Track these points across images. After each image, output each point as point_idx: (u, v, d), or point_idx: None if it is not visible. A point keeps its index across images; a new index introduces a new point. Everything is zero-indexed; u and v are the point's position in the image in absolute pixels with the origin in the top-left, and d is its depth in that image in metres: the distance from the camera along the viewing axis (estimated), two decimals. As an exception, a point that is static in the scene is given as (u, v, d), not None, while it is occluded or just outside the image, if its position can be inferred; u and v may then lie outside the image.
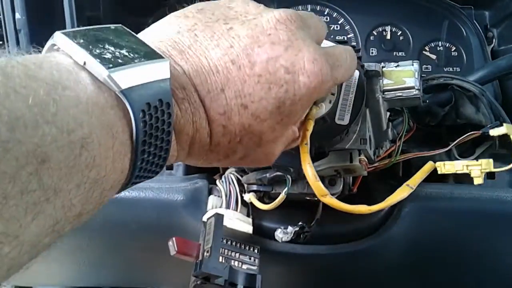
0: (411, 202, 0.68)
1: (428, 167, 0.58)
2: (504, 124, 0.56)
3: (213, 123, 0.37)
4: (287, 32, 0.38)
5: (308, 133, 0.47)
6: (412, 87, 0.57)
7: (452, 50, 0.87)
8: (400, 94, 0.58)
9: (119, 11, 0.84)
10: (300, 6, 0.89)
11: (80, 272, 0.85)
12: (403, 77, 0.58)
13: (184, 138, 0.36)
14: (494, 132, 0.57)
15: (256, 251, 0.65)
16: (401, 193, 0.56)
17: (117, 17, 0.83)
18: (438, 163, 0.58)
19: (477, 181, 0.54)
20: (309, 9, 0.89)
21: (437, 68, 0.86)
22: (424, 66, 0.87)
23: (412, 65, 0.58)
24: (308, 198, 0.65)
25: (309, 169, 0.48)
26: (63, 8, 0.71)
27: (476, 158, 0.74)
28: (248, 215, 0.70)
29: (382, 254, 0.72)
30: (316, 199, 0.62)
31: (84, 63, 0.30)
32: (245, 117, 0.37)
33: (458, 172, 0.56)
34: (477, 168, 0.53)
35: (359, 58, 0.55)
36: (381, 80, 0.58)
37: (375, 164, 0.63)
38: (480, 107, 0.65)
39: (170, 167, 0.79)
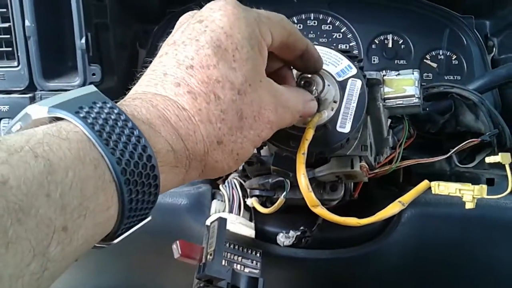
0: (411, 208, 0.69)
1: (422, 186, 0.59)
2: (500, 154, 0.57)
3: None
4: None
5: (307, 142, 0.48)
6: (413, 95, 0.59)
7: (453, 58, 0.88)
8: (401, 102, 0.60)
9: (125, 18, 0.86)
10: (303, 15, 0.91)
11: (84, 275, 0.86)
12: (403, 85, 0.60)
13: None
14: (489, 159, 0.58)
15: (258, 255, 0.66)
16: (392, 209, 0.56)
17: (123, 25, 0.85)
18: (433, 183, 0.58)
19: (468, 205, 0.55)
20: (312, 17, 0.91)
21: (438, 76, 0.88)
22: (425, 74, 0.88)
23: (413, 73, 0.60)
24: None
25: (302, 180, 0.49)
26: (72, 15, 0.73)
27: (476, 165, 0.76)
28: (250, 220, 0.72)
29: (383, 259, 0.73)
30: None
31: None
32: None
33: (451, 194, 0.56)
34: (470, 193, 0.54)
35: (361, 68, 0.57)
36: (382, 88, 0.60)
37: (376, 170, 0.64)
38: (480, 115, 0.66)
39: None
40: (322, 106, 0.54)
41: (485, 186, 0.53)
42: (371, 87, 0.59)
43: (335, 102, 0.54)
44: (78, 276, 0.87)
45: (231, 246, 0.64)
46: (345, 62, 0.56)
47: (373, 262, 0.73)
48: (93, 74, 0.74)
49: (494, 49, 0.88)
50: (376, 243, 0.71)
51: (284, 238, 0.64)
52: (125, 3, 0.83)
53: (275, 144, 0.53)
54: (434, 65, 0.88)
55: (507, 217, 0.69)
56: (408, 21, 0.89)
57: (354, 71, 0.55)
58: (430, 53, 0.89)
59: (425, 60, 0.88)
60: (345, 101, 0.54)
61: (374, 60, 0.89)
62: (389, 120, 0.65)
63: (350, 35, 0.90)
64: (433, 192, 0.58)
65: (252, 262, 0.65)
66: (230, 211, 0.70)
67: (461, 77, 0.87)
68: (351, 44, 0.90)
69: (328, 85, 0.54)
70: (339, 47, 0.87)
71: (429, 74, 0.88)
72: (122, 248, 0.79)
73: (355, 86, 0.55)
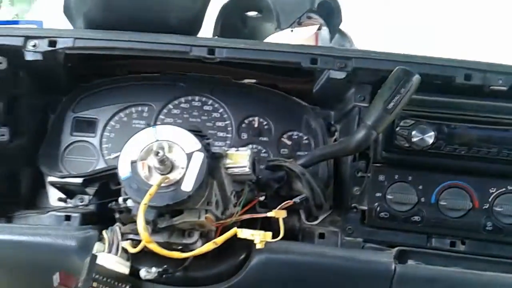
0: (259, 254, 0.87)
1: (231, 231, 0.78)
2: (273, 210, 0.81)
3: None
4: None
5: (149, 196, 0.67)
6: (245, 166, 0.81)
7: (304, 138, 1.11)
8: (237, 170, 0.81)
9: (37, 89, 1.03)
10: (190, 97, 1.12)
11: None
12: (239, 158, 0.81)
13: None
14: (270, 214, 0.81)
15: (127, 287, 0.82)
16: (206, 247, 0.76)
17: (34, 95, 1.02)
18: (238, 229, 0.78)
19: (258, 246, 0.76)
20: (196, 99, 1.12)
21: (292, 151, 1.10)
22: (282, 149, 1.10)
23: (246, 150, 0.82)
24: (174, 246, 0.83)
25: (140, 222, 0.67)
26: None
27: (319, 223, 0.99)
28: (128, 260, 0.87)
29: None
30: (180, 247, 0.82)
31: None
32: None
33: (248, 238, 0.77)
34: (258, 237, 0.75)
35: (207, 143, 0.78)
36: (224, 160, 0.81)
37: (221, 221, 0.84)
38: (304, 183, 0.89)
39: (68, 218, 0.95)
40: (173, 170, 0.74)
41: (269, 233, 0.74)
42: (216, 158, 0.80)
43: (182, 168, 0.74)
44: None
45: (103, 278, 0.79)
46: (193, 139, 0.76)
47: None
48: (2, 135, 0.89)
49: (336, 133, 1.11)
50: (228, 282, 0.88)
51: (146, 273, 0.80)
52: (37, 77, 1.00)
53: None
54: (289, 142, 1.11)
55: (329, 262, 0.89)
56: (270, 107, 1.12)
57: (198, 146, 0.76)
58: (287, 133, 1.11)
59: (282, 139, 1.11)
60: (190, 168, 0.74)
61: (243, 136, 1.11)
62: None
63: (226, 115, 1.11)
64: (238, 235, 0.77)
65: (121, 293, 0.80)
66: (109, 252, 0.85)
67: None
68: (226, 122, 1.11)
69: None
70: (216, 124, 1.11)
71: (285, 149, 1.10)
72: (16, 284, 0.92)
73: (198, 157, 0.75)
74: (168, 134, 0.76)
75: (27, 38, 0.88)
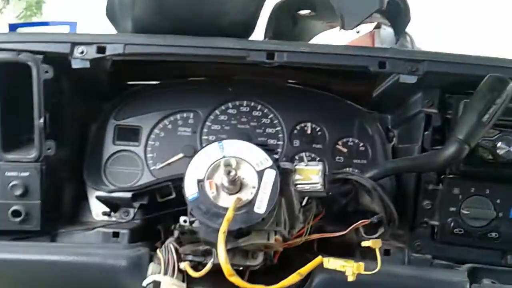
0: (320, 274, 0.81)
1: (317, 261, 0.71)
2: (371, 240, 0.72)
3: None
4: None
5: (227, 223, 0.60)
6: (317, 183, 0.74)
7: (360, 145, 1.04)
8: (308, 187, 0.74)
9: (79, 96, 0.96)
10: (237, 101, 1.05)
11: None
12: (310, 174, 0.74)
13: None
14: (364, 244, 0.72)
15: (187, 313, 0.76)
16: (292, 279, 0.68)
17: (77, 102, 0.96)
18: (325, 259, 0.71)
19: (349, 278, 0.68)
20: (244, 104, 1.05)
21: (348, 159, 1.03)
22: (337, 157, 1.04)
23: (317, 165, 0.75)
24: (235, 268, 0.77)
25: (222, 255, 0.61)
26: (31, 94, 0.82)
27: (378, 237, 0.91)
28: (183, 281, 0.82)
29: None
30: (241, 268, 0.76)
31: None
32: None
33: (337, 269, 0.69)
34: (350, 268, 0.67)
35: (276, 159, 0.71)
36: (293, 176, 0.74)
37: (289, 242, 0.78)
38: (374, 198, 0.82)
39: (116, 235, 0.89)
40: (244, 190, 0.67)
41: (362, 264, 0.67)
42: (285, 174, 0.73)
43: (253, 187, 0.68)
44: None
45: (164, 305, 0.74)
46: (263, 155, 0.70)
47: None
48: (48, 149, 0.83)
49: (394, 139, 1.05)
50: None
51: (210, 299, 0.74)
52: (80, 85, 0.93)
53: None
54: (345, 150, 1.04)
55: (396, 282, 0.83)
56: (324, 112, 1.05)
57: (270, 162, 0.69)
58: (342, 140, 1.04)
59: (337, 146, 1.04)
60: (262, 187, 0.68)
61: (295, 143, 1.04)
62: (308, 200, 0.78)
63: (276, 121, 1.05)
64: (324, 266, 0.70)
65: (181, 320, 0.75)
66: (165, 273, 0.80)
67: (366, 161, 1.04)
68: (277, 129, 1.05)
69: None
70: (266, 131, 1.04)
71: (341, 157, 1.04)
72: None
73: (270, 175, 0.68)
74: (235, 149, 0.70)
75: (74, 44, 0.81)
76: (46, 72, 0.81)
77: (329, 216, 0.92)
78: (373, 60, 0.84)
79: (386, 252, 0.92)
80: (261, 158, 0.70)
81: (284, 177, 0.73)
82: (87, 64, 0.82)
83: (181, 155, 1.02)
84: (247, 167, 0.69)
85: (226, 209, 0.65)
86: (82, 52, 0.81)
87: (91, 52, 0.81)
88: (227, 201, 0.67)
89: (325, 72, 1.03)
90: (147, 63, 0.97)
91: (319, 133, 1.05)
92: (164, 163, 1.01)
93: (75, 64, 0.82)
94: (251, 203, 0.67)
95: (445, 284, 0.82)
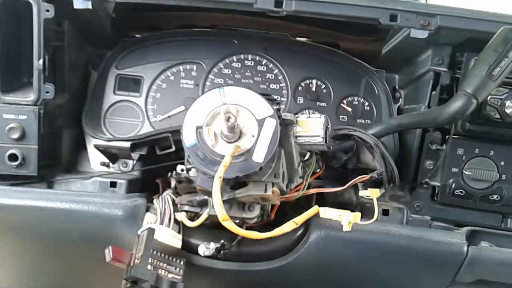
0: (318, 230, 0.81)
1: (313, 210, 0.71)
2: (369, 189, 0.71)
3: None
4: None
5: (224, 168, 0.59)
6: (318, 136, 0.72)
7: (365, 105, 1.02)
8: (308, 140, 0.73)
9: (81, 43, 0.94)
10: (242, 55, 1.02)
11: (20, 275, 0.91)
12: (311, 126, 0.73)
13: None
14: (362, 193, 0.71)
15: (182, 263, 0.76)
16: (286, 227, 0.68)
17: (78, 48, 0.93)
18: (321, 208, 0.71)
19: (345, 228, 0.67)
20: (249, 58, 1.02)
21: (352, 119, 1.01)
22: (341, 116, 1.01)
23: (320, 117, 0.73)
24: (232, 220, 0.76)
25: (216, 197, 0.60)
26: (32, 36, 0.80)
27: (379, 198, 0.90)
28: (179, 232, 0.81)
29: (292, 273, 0.84)
30: (237, 221, 0.75)
31: None
32: None
33: (333, 219, 0.69)
34: (346, 218, 0.66)
35: (277, 109, 0.69)
36: (294, 128, 0.72)
37: (287, 195, 0.76)
38: (375, 156, 0.80)
39: (114, 185, 0.88)
40: (242, 139, 0.66)
41: (359, 214, 0.66)
42: (286, 125, 0.71)
43: (253, 136, 0.66)
44: (14, 275, 0.92)
45: (158, 253, 0.73)
46: (264, 104, 0.68)
47: (283, 275, 0.84)
48: (47, 92, 0.82)
49: (400, 99, 1.02)
50: (286, 258, 0.82)
51: (205, 249, 0.74)
52: (81, 29, 0.91)
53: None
54: (349, 109, 1.02)
55: (395, 242, 0.82)
56: (330, 69, 1.02)
57: (271, 111, 0.67)
58: (347, 99, 1.02)
59: (342, 104, 1.02)
60: (261, 136, 0.66)
61: (299, 101, 1.02)
62: (308, 154, 0.77)
63: (281, 77, 1.02)
64: (320, 216, 0.69)
65: (175, 269, 0.74)
66: (161, 223, 0.79)
67: (371, 121, 1.01)
68: (281, 85, 1.02)
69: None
70: (270, 87, 1.02)
71: (345, 116, 1.01)
72: (59, 250, 0.87)
73: (271, 124, 0.67)
74: (236, 97, 0.68)
75: (76, -18, 0.78)
76: (47, 11, 0.79)
77: (328, 176, 0.92)
78: (384, 12, 0.80)
79: (385, 212, 0.91)
80: (262, 107, 0.68)
81: (285, 128, 0.71)
82: (89, 5, 0.79)
83: (182, 107, 1.00)
84: (247, 115, 0.67)
85: (223, 156, 0.64)
86: (84, -9, 0.78)
87: (94, -9, 0.79)
88: (225, 149, 0.66)
89: (334, 27, 1.00)
90: (151, 10, 0.94)
91: (324, 90, 1.02)
92: (165, 115, 1.00)
93: (77, 4, 0.79)
94: (249, 151, 0.65)
95: (443, 245, 0.82)
